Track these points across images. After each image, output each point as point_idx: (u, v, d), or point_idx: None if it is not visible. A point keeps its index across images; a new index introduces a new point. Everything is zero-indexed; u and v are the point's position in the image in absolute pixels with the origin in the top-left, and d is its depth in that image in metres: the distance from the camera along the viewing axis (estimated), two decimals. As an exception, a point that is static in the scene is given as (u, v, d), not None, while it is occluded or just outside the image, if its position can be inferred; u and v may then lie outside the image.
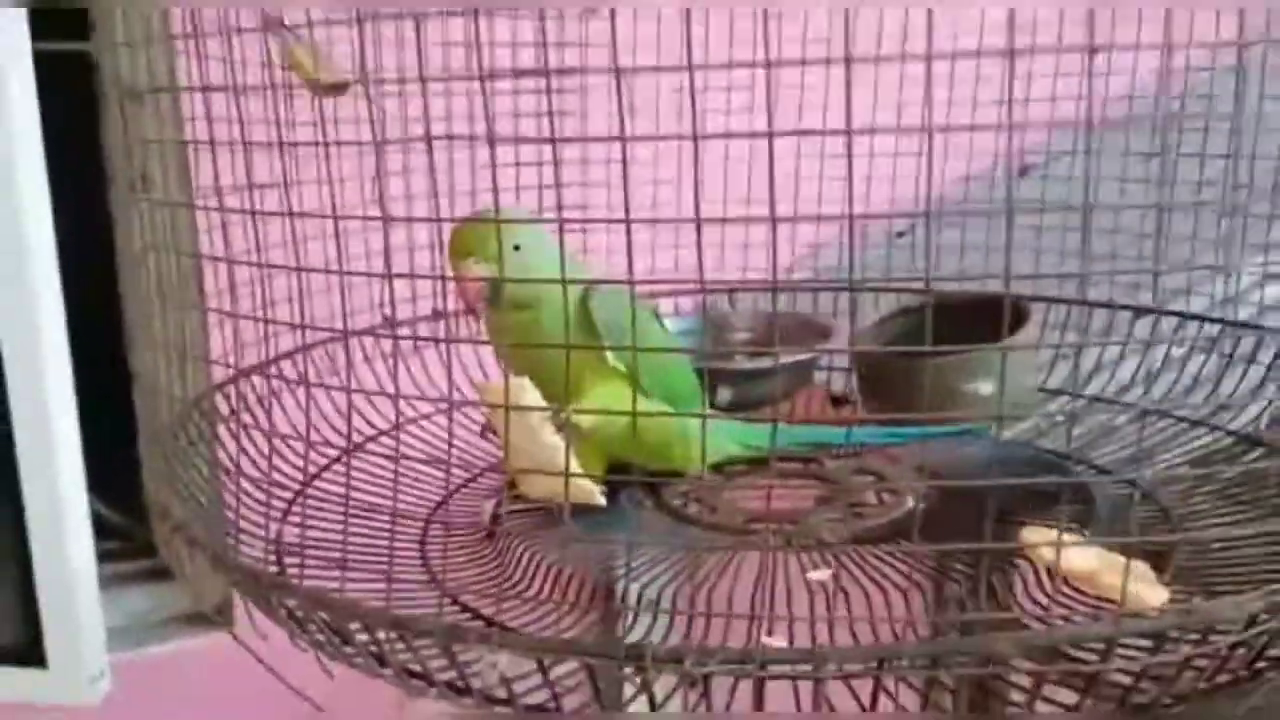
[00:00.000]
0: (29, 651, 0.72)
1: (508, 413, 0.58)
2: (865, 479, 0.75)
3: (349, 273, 0.59)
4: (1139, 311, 0.89)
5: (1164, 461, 0.73)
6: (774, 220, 0.41)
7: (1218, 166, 0.79)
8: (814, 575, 0.59)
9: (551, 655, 0.45)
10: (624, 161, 0.45)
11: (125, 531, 1.30)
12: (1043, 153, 0.99)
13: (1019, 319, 0.86)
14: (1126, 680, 0.45)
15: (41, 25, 0.99)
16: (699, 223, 0.43)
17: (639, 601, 0.57)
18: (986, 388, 0.83)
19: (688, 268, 0.94)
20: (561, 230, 0.62)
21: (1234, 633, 0.43)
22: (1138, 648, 0.44)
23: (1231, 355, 0.80)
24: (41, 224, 0.86)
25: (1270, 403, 0.72)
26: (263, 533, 0.60)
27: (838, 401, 0.96)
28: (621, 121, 0.45)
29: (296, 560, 0.59)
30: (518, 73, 0.65)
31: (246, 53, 0.59)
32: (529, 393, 0.62)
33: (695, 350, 0.90)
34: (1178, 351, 0.84)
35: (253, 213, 0.55)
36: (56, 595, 0.71)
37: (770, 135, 0.42)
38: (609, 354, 0.67)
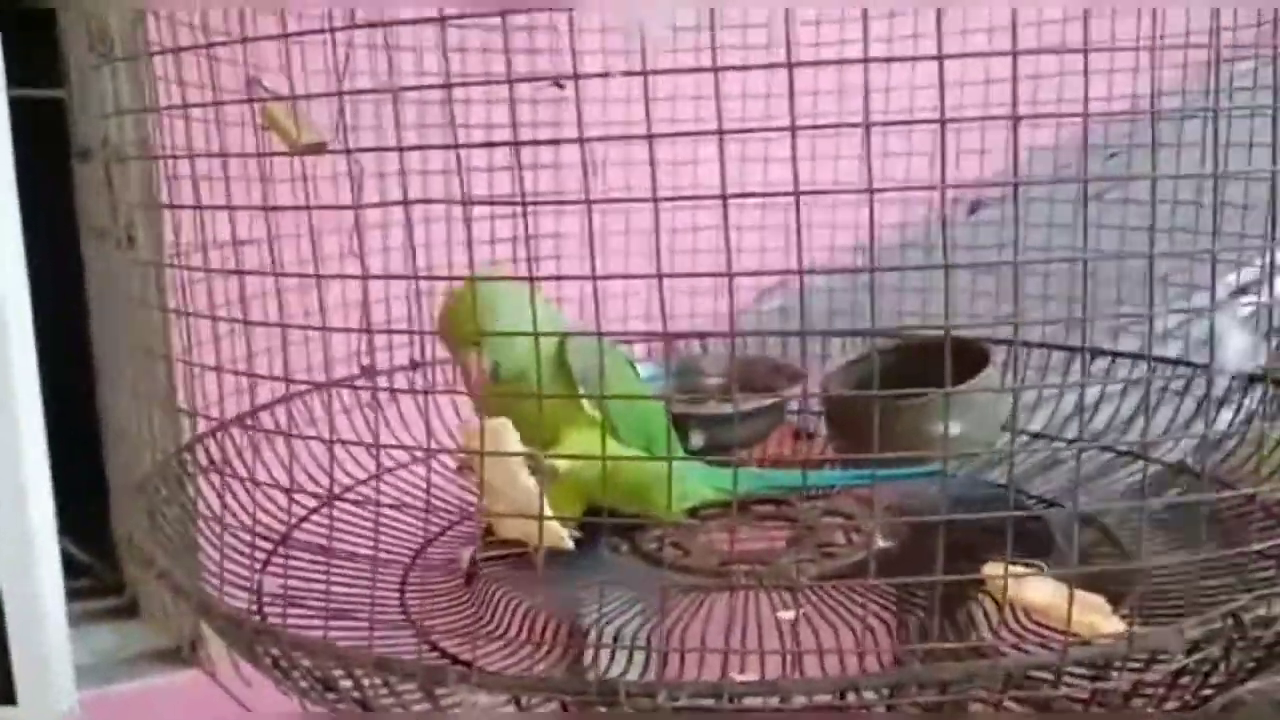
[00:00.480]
0: (-2, 689, 0.73)
1: (482, 459, 0.60)
2: (834, 520, 0.77)
3: (329, 329, 0.61)
4: (1071, 350, 0.93)
5: (1102, 490, 0.76)
6: (730, 275, 0.44)
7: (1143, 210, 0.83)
8: (783, 615, 0.61)
9: (528, 693, 0.47)
10: (590, 224, 0.47)
11: (93, 570, 1.31)
12: (998, 189, 1.02)
13: (981, 361, 0.89)
14: (1078, 706, 0.46)
15: (13, 71, 1.02)
16: (660, 277, 0.45)
17: (614, 640, 0.59)
18: (955, 428, 0.85)
19: (640, 315, 0.97)
20: (533, 286, 0.64)
21: (1177, 660, 0.45)
22: (1086, 675, 0.46)
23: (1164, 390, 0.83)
24: (14, 265, 0.87)
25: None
26: (245, 580, 0.62)
27: (797, 437, 0.99)
28: (586, 183, 0.48)
29: (279, 608, 0.61)
30: (490, 144, 0.67)
31: (227, 112, 0.61)
32: (508, 433, 0.64)
33: (664, 397, 0.92)
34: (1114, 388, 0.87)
35: (238, 272, 0.57)
36: (26, 633, 0.72)
37: (724, 197, 0.45)
38: (585, 401, 0.69)
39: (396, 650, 0.61)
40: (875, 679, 0.45)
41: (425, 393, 0.57)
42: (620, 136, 0.46)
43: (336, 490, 0.74)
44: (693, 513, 0.78)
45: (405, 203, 0.54)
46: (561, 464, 0.67)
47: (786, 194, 0.44)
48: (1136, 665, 0.45)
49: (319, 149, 0.76)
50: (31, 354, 0.96)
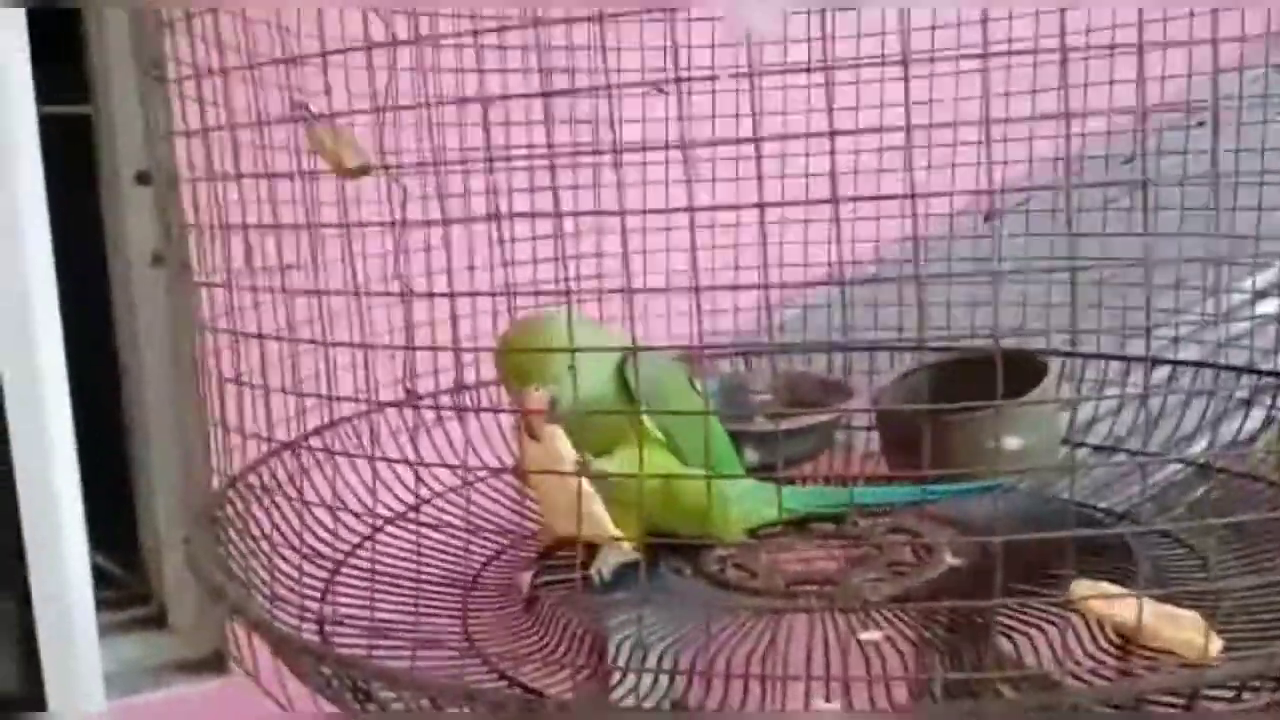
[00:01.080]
0: (30, 696, 0.73)
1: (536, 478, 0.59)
2: (899, 538, 0.75)
3: (372, 345, 0.60)
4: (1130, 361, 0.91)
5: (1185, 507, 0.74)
6: (765, 286, 0.42)
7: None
8: (866, 636, 0.59)
9: None
10: (623, 237, 0.46)
11: (120, 580, 1.31)
12: (1019, 196, 1.01)
13: (1039, 373, 0.87)
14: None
15: (41, 88, 1.01)
16: (697, 290, 0.44)
17: (715, 669, 0.57)
18: (1013, 442, 0.84)
19: (711, 330, 0.96)
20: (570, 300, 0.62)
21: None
22: (1220, 699, 0.44)
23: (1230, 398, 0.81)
24: (44, 280, 0.87)
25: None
26: (309, 607, 0.61)
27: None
28: (620, 197, 0.46)
29: (352, 637, 0.59)
30: (528, 154, 0.66)
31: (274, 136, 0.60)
32: (561, 441, 0.64)
33: (727, 411, 0.91)
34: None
35: (284, 291, 0.56)
36: (57, 642, 0.71)
37: (761, 205, 0.43)
38: (646, 420, 0.67)
39: (464, 676, 0.59)
40: (997, 706, 0.43)
41: (483, 411, 0.55)
42: (653, 146, 0.44)
43: (390, 514, 0.73)
44: (752, 533, 0.76)
45: (445, 222, 0.53)
46: (615, 467, 0.66)
47: (825, 200, 0.42)
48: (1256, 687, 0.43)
49: (364, 172, 0.75)
50: (62, 369, 0.96)
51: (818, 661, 0.56)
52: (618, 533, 0.66)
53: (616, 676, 0.59)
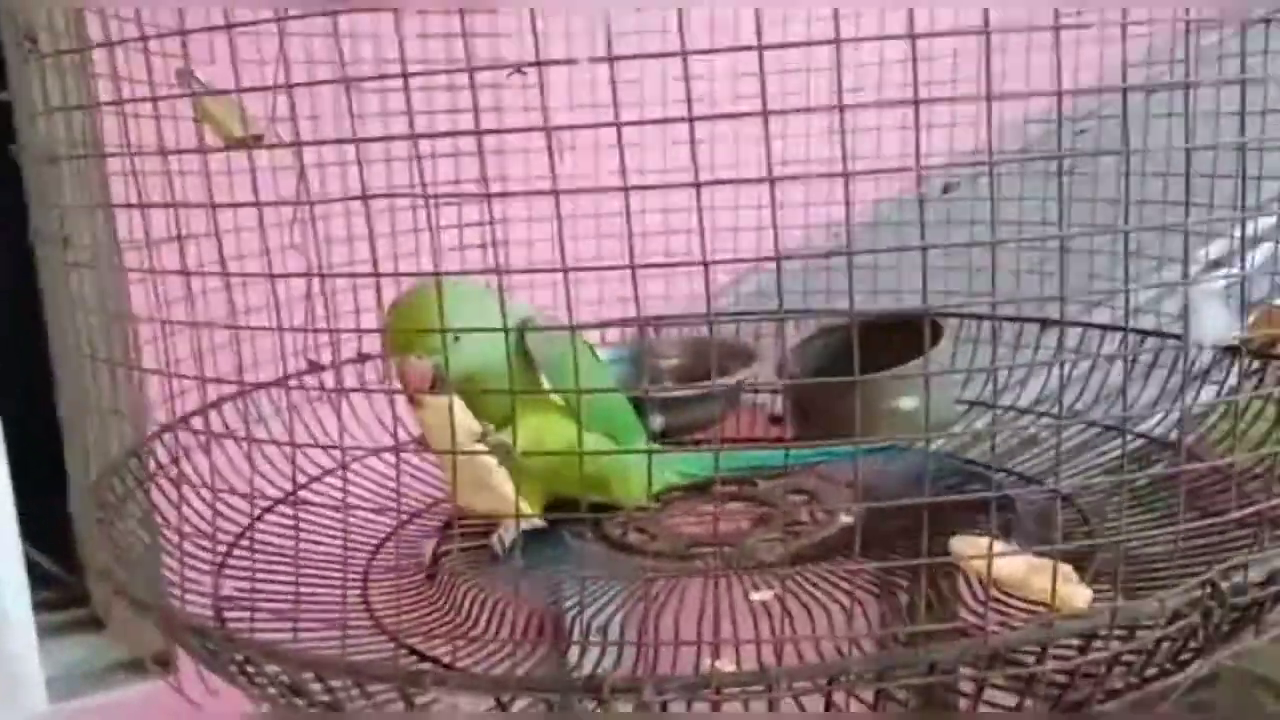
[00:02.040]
0: (-33, 703, 0.71)
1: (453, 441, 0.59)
2: (798, 498, 0.77)
3: (274, 328, 0.59)
4: (1045, 324, 0.93)
5: (1080, 469, 0.77)
6: (706, 263, 0.43)
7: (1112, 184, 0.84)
8: (757, 596, 0.60)
9: (511, 693, 0.46)
10: (558, 211, 0.46)
11: (59, 580, 1.28)
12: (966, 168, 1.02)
13: (935, 335, 0.89)
14: (1062, 679, 0.47)
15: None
16: (633, 267, 0.44)
17: (589, 633, 0.58)
18: (910, 403, 0.86)
19: (612, 297, 0.96)
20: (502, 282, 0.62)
21: (1158, 628, 0.46)
22: (1070, 648, 0.46)
23: (1135, 363, 0.84)
24: None
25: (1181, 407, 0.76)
26: (204, 586, 0.60)
27: (776, 421, 0.99)
28: (553, 168, 0.46)
29: (240, 613, 0.59)
30: (450, 134, 0.65)
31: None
32: (459, 412, 0.64)
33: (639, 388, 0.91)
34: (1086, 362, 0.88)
35: (186, 273, 0.55)
36: None
37: (697, 185, 0.43)
38: (545, 384, 0.68)
39: (364, 651, 0.59)
40: (864, 664, 0.45)
41: (373, 391, 0.55)
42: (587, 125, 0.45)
43: (288, 489, 0.72)
44: (656, 498, 0.77)
45: (365, 197, 0.52)
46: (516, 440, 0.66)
47: (760, 180, 0.43)
48: (1120, 635, 0.46)
49: (255, 143, 0.74)
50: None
51: (706, 621, 0.58)
52: (523, 507, 0.66)
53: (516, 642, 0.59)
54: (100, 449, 0.65)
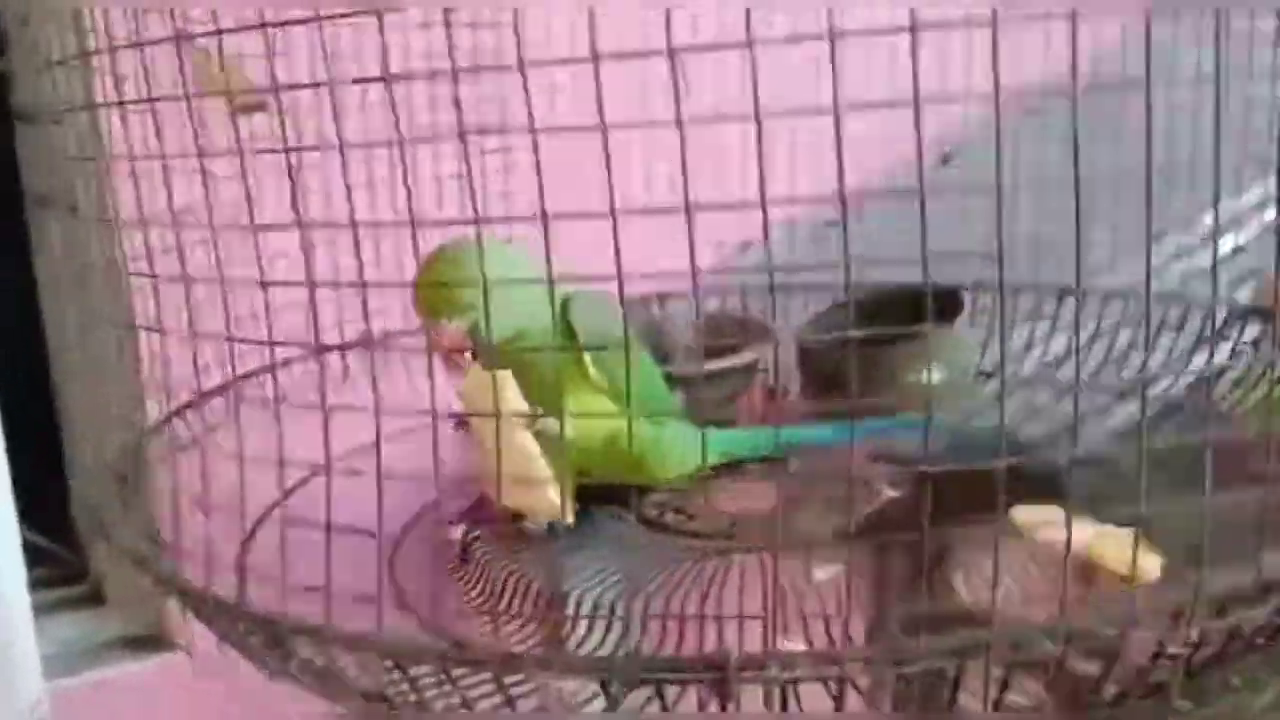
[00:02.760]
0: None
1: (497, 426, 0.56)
2: (833, 474, 0.75)
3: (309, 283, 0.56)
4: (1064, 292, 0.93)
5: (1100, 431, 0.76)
6: (689, 209, 0.40)
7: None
8: (819, 574, 0.59)
9: (619, 676, 0.43)
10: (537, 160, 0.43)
11: (54, 557, 1.24)
12: (960, 140, 1.01)
13: (954, 307, 0.89)
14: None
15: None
16: (613, 215, 0.41)
17: (646, 615, 0.56)
18: (934, 375, 0.85)
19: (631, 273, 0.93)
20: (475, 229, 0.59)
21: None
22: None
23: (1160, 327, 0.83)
24: None
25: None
26: (226, 563, 0.57)
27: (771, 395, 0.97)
28: (531, 117, 0.43)
29: (268, 590, 0.56)
30: (429, 74, 0.62)
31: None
32: (508, 388, 0.60)
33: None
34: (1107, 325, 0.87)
35: (174, 227, 0.52)
36: None
37: (679, 122, 0.41)
38: (590, 365, 0.65)
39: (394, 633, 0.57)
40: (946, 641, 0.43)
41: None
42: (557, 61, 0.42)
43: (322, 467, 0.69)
44: (688, 478, 0.75)
45: (341, 146, 0.49)
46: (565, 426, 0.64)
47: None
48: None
49: (257, 108, 0.71)
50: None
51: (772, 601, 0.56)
52: (557, 497, 0.63)
53: (569, 626, 0.57)
54: (121, 423, 0.62)
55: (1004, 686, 0.44)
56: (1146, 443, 0.71)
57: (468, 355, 0.62)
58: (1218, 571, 0.45)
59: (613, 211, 0.39)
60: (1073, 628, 0.43)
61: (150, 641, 1.06)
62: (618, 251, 0.41)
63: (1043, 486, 0.67)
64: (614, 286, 0.42)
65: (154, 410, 0.62)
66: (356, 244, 0.47)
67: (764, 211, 0.41)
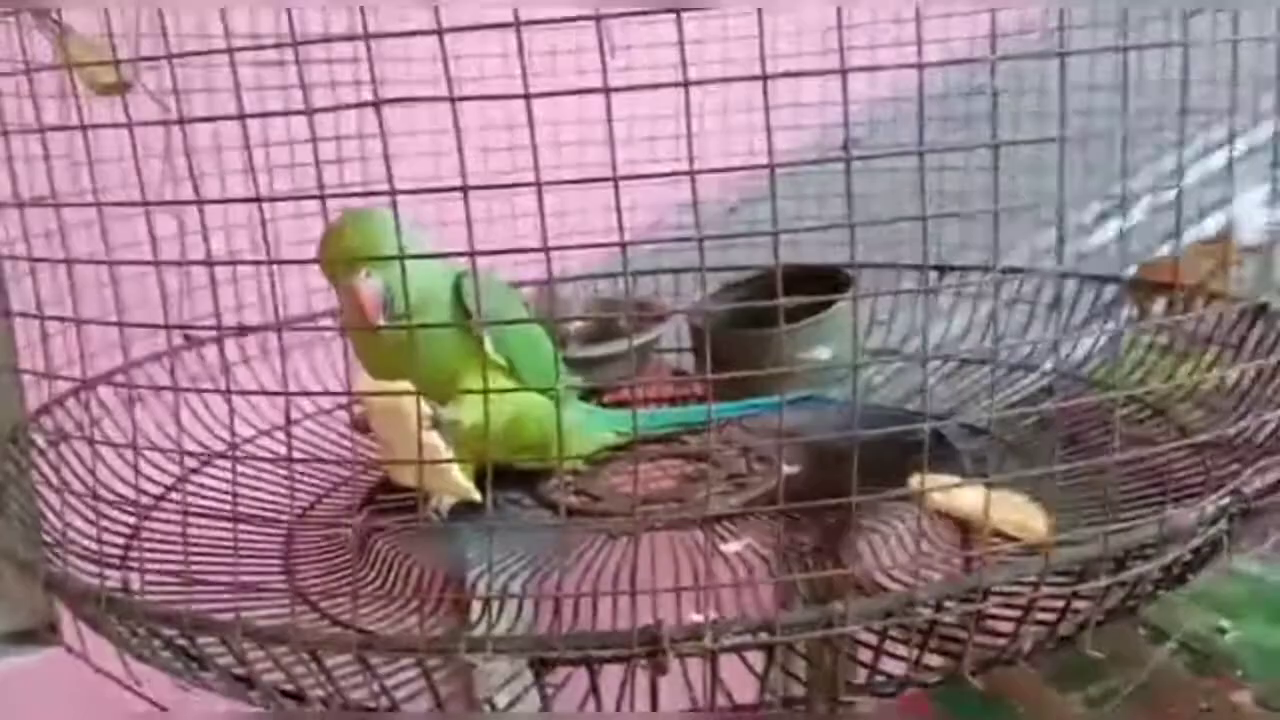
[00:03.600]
0: None
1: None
2: (732, 450, 0.76)
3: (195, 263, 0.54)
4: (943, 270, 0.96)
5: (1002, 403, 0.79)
6: (617, 179, 0.40)
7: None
8: (728, 548, 0.59)
9: (554, 653, 0.43)
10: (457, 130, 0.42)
11: None
12: (865, 125, 1.03)
13: (842, 286, 0.90)
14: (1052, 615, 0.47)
15: None
16: (539, 185, 0.40)
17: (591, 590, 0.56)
18: (824, 353, 0.87)
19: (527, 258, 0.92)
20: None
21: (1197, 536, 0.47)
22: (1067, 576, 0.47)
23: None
24: None
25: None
26: (114, 556, 0.55)
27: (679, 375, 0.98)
28: (449, 81, 0.42)
29: (143, 578, 0.54)
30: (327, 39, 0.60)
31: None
32: (408, 403, 0.60)
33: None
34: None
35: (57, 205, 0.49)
36: None
37: (607, 90, 0.40)
38: (488, 345, 0.64)
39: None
40: (864, 607, 0.44)
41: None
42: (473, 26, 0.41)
43: (207, 453, 0.67)
44: (587, 459, 0.75)
45: (242, 116, 0.47)
46: (466, 416, 0.63)
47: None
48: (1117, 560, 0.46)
49: (123, 89, 0.68)
50: None
51: (684, 576, 0.57)
52: (460, 479, 0.63)
53: (474, 611, 0.57)
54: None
55: (923, 647, 0.45)
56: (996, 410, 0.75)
57: (380, 319, 0.61)
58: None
59: (539, 183, 0.39)
60: (989, 584, 0.45)
61: (38, 635, 1.01)
62: (543, 218, 0.40)
63: (936, 456, 0.69)
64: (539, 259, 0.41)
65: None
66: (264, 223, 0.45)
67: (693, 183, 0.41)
